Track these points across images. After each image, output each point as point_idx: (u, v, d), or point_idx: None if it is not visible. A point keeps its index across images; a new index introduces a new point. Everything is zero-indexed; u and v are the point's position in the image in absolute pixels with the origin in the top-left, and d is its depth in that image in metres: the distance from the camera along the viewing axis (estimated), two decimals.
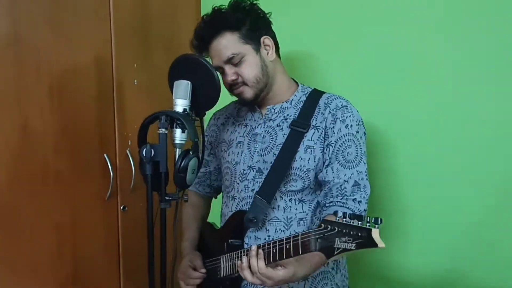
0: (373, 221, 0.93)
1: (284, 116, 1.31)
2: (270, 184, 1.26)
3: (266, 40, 1.29)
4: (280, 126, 1.31)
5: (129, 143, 1.61)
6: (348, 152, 1.24)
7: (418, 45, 1.51)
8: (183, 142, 1.13)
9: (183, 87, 1.15)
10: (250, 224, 1.25)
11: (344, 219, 0.96)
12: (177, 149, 1.12)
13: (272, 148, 1.29)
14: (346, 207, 1.21)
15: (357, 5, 1.60)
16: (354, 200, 1.22)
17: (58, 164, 1.38)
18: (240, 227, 1.28)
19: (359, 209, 1.22)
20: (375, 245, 0.91)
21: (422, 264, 1.54)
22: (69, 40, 1.41)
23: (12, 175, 1.26)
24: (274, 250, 1.08)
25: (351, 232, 0.94)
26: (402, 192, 1.57)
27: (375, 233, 0.92)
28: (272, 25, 1.34)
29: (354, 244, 0.94)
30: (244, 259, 1.12)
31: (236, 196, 1.34)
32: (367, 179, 1.26)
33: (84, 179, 1.48)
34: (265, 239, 1.28)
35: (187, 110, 1.15)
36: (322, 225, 0.99)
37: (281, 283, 1.11)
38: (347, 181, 1.23)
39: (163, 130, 1.10)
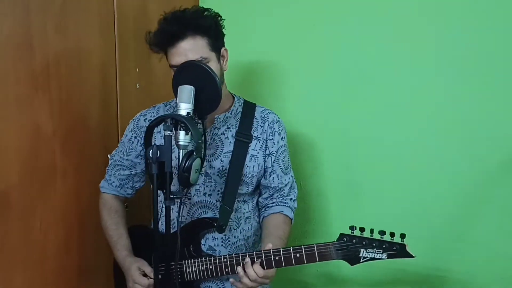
0: (400, 236, 1.18)
1: (227, 126, 1.42)
2: (230, 192, 1.38)
3: (224, 51, 1.37)
4: (224, 134, 1.41)
5: None
6: (285, 161, 1.48)
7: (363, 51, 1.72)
8: (186, 143, 1.18)
9: (186, 91, 1.21)
10: (220, 230, 1.37)
11: (371, 235, 1.20)
12: (181, 150, 1.18)
13: (220, 155, 1.40)
14: (287, 206, 1.48)
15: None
16: (290, 199, 1.50)
17: (65, 164, 1.45)
18: (198, 232, 1.38)
19: (294, 206, 1.50)
20: (411, 256, 1.17)
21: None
22: (77, 46, 1.48)
23: (24, 173, 1.33)
24: (276, 258, 1.22)
25: (383, 246, 1.19)
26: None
27: (408, 247, 1.17)
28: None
29: (385, 255, 1.19)
30: (240, 268, 1.24)
31: (186, 202, 1.41)
32: (295, 181, 1.54)
33: (89, 178, 1.55)
34: (221, 238, 1.40)
35: (190, 114, 1.21)
36: (345, 238, 1.21)
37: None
38: (286, 185, 1.49)
39: (168, 132, 1.15)
